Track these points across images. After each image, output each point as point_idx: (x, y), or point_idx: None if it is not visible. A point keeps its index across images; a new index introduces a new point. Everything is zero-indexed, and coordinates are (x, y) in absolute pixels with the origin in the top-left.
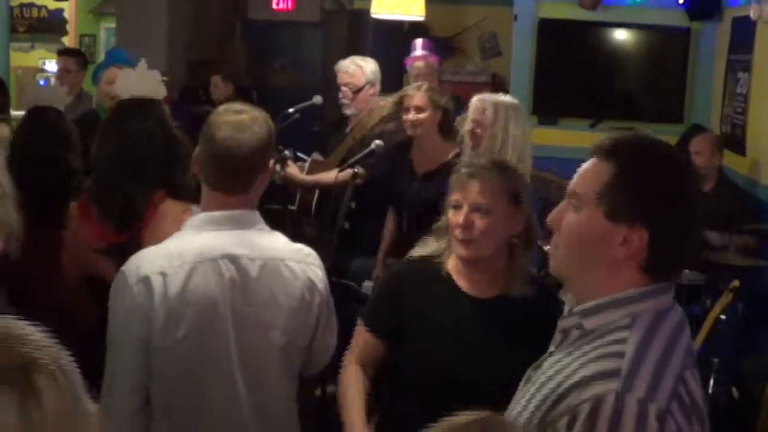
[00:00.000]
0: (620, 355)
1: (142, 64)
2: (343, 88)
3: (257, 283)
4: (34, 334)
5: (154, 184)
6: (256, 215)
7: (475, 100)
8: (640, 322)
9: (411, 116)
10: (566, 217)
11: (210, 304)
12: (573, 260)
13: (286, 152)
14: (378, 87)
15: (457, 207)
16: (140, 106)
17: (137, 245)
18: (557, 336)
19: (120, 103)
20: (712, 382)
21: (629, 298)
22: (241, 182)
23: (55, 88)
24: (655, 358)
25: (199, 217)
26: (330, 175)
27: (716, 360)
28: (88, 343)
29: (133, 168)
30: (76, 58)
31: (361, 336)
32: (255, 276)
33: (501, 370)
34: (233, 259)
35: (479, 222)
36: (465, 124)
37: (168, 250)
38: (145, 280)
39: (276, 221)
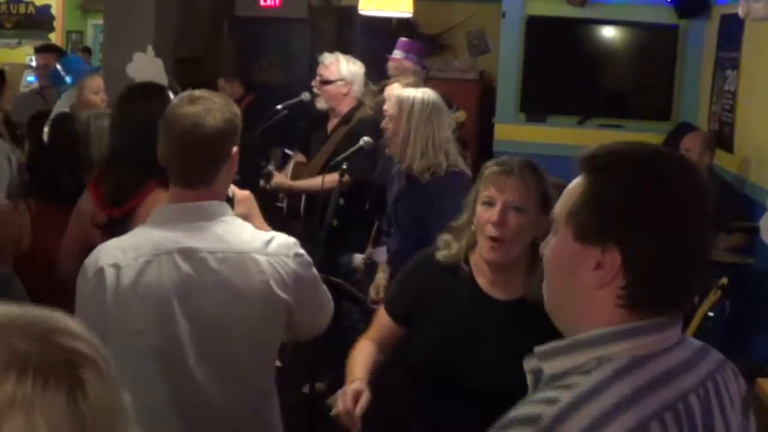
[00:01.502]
0: (553, 401)
1: (150, 50)
2: (317, 78)
3: (216, 276)
4: (76, 327)
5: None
6: (222, 206)
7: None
8: (602, 368)
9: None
10: (547, 246)
11: (163, 298)
12: (552, 291)
13: (269, 167)
14: (355, 88)
15: (490, 204)
16: (148, 91)
17: (127, 225)
18: (529, 378)
19: (129, 87)
20: None
21: (595, 339)
22: (202, 175)
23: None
24: (592, 413)
25: (161, 210)
26: (316, 181)
27: None
28: None
29: (141, 148)
30: (56, 54)
31: (382, 317)
32: (214, 269)
33: (502, 372)
34: (189, 252)
35: (513, 221)
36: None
37: (125, 243)
38: (100, 272)
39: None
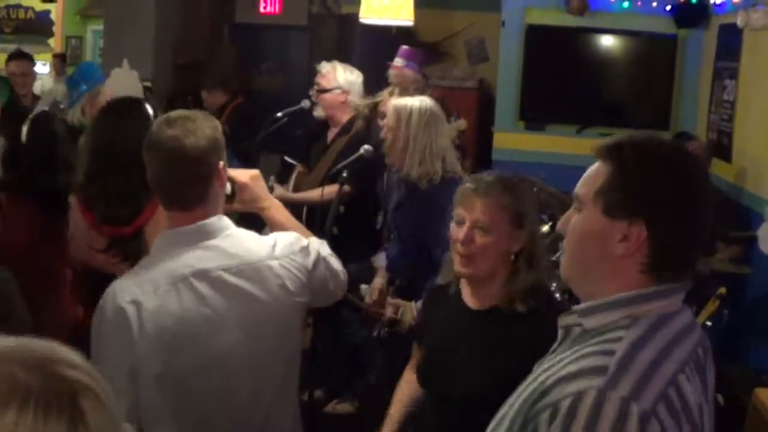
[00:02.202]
0: (611, 353)
1: (125, 63)
2: (314, 86)
3: (236, 290)
4: (74, 356)
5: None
6: (222, 221)
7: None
8: (639, 323)
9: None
10: (570, 223)
11: (188, 323)
12: (576, 261)
13: (271, 182)
14: (353, 98)
15: (460, 223)
16: (130, 104)
17: (138, 241)
18: (559, 332)
19: (113, 102)
20: None
21: (631, 299)
22: (192, 196)
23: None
24: (647, 359)
25: (163, 236)
26: (316, 193)
27: None
28: (78, 334)
29: (129, 164)
30: (30, 61)
31: (416, 348)
32: (233, 284)
33: (476, 380)
34: (204, 274)
35: (479, 240)
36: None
37: (139, 277)
38: (120, 311)
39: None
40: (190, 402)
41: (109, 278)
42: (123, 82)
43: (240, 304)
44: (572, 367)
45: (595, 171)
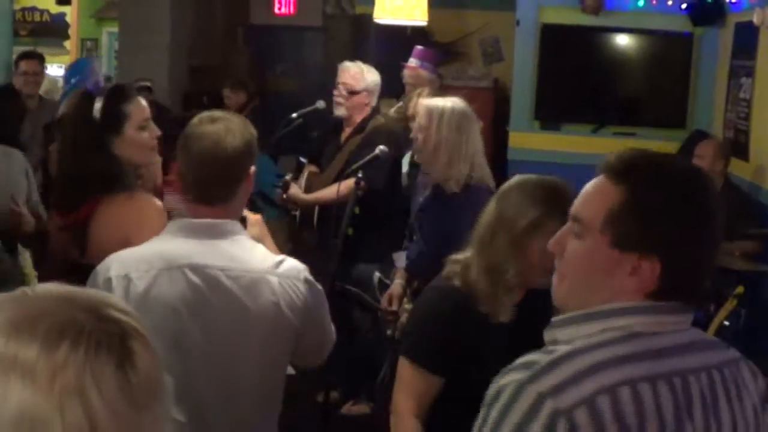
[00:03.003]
0: (551, 352)
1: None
2: (340, 87)
3: (227, 293)
4: (125, 305)
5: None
6: (236, 225)
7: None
8: (604, 334)
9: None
10: (569, 246)
11: (172, 311)
12: (578, 290)
13: (287, 177)
14: (374, 100)
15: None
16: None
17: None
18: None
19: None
20: None
21: (600, 312)
22: (220, 193)
23: None
24: (585, 364)
25: (177, 223)
26: (332, 190)
27: None
28: None
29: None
30: (41, 61)
31: (413, 377)
32: (225, 286)
33: None
34: (200, 268)
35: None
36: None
37: (138, 254)
38: (108, 282)
39: (277, 228)
40: None
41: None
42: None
43: (227, 307)
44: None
45: (602, 192)
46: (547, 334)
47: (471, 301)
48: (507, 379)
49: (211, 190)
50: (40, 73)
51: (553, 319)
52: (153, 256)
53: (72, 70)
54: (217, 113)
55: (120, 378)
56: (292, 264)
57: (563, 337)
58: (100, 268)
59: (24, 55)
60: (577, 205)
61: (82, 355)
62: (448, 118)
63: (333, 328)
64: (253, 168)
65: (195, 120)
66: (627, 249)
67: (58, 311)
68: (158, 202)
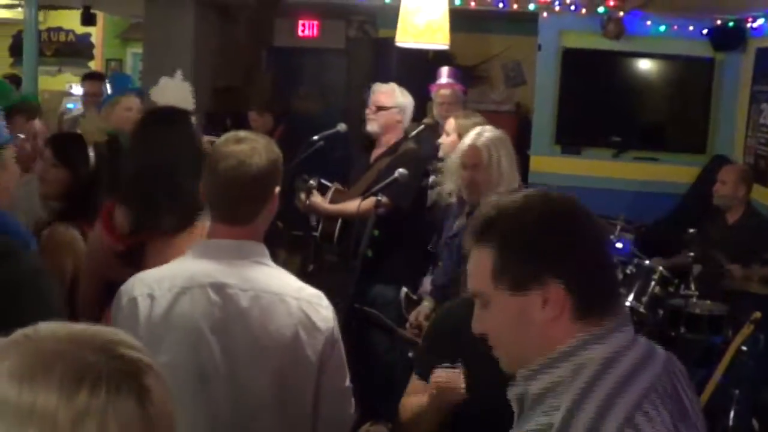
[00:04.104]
0: (555, 409)
1: (179, 74)
2: (372, 105)
3: (246, 314)
4: (132, 339)
5: (175, 193)
6: (259, 247)
7: (466, 144)
8: (582, 374)
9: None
10: (484, 321)
11: (195, 329)
12: (513, 352)
13: (311, 181)
14: (406, 120)
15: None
16: (170, 115)
17: (140, 254)
18: (514, 406)
19: (150, 111)
20: (732, 413)
21: (571, 350)
22: (244, 213)
23: (99, 119)
24: (593, 406)
25: (200, 243)
26: (353, 204)
27: (737, 391)
28: None
29: (151, 175)
30: (102, 82)
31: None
32: (245, 307)
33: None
34: (221, 288)
35: None
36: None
37: (161, 274)
38: (133, 301)
39: (299, 247)
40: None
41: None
42: (168, 93)
43: (246, 327)
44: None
45: (479, 260)
46: (514, 391)
47: None
48: None
49: (235, 210)
50: (100, 94)
51: (519, 373)
52: (175, 275)
53: (111, 83)
54: (242, 133)
55: (142, 415)
56: (313, 290)
57: (535, 389)
58: (124, 288)
59: (86, 76)
60: (469, 285)
61: (103, 400)
62: (506, 155)
63: (351, 393)
64: (278, 188)
65: (221, 140)
66: (525, 289)
67: (69, 354)
68: None
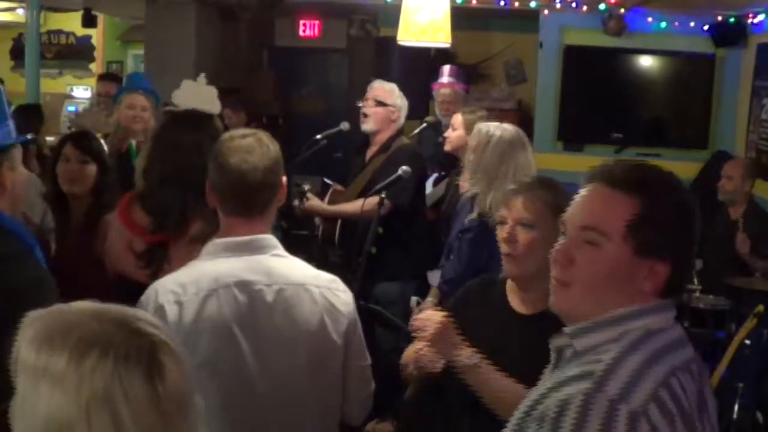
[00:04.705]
0: (597, 362)
1: (202, 78)
2: (369, 100)
3: (273, 308)
4: (156, 320)
5: (197, 196)
6: (272, 240)
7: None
8: (627, 336)
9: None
10: (582, 254)
11: (226, 330)
12: (592, 298)
13: (304, 186)
14: (401, 120)
15: (503, 223)
16: (196, 119)
17: (164, 252)
18: (552, 355)
19: (175, 114)
20: (736, 406)
21: (619, 317)
22: (259, 205)
23: (98, 113)
24: (636, 362)
25: (215, 243)
26: (356, 205)
27: (740, 385)
28: None
29: (179, 178)
30: (116, 83)
31: None
32: (271, 301)
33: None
34: (247, 286)
35: (522, 237)
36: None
37: (183, 279)
38: (161, 310)
39: (302, 247)
40: (216, 409)
41: (136, 286)
42: (190, 96)
43: (274, 321)
44: (558, 380)
45: (617, 203)
46: (557, 341)
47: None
48: (566, 392)
49: (249, 204)
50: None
51: (567, 329)
52: (198, 278)
53: (124, 82)
54: (243, 129)
55: (148, 389)
56: (330, 276)
57: (580, 347)
58: (146, 298)
59: (101, 77)
60: (586, 215)
61: (110, 365)
62: (494, 145)
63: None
64: (285, 177)
65: (225, 136)
66: (646, 256)
67: (90, 324)
68: None
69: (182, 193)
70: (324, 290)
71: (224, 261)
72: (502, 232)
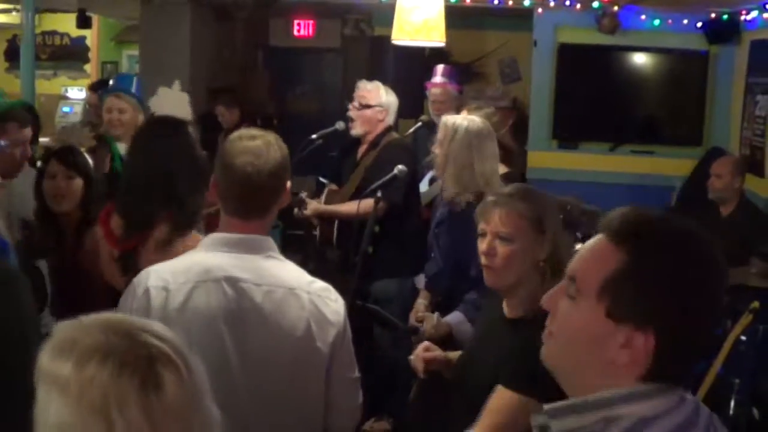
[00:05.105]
0: None
1: (176, 84)
2: (355, 102)
3: (260, 308)
4: (166, 332)
5: (171, 201)
6: (270, 242)
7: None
8: (612, 429)
9: None
10: (562, 306)
11: (211, 322)
12: (565, 355)
13: (301, 194)
14: (390, 119)
15: (483, 235)
16: (168, 125)
17: (135, 259)
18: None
19: (150, 119)
20: (732, 403)
21: (606, 400)
22: (260, 207)
23: (80, 130)
24: None
25: (214, 236)
26: (352, 206)
27: (736, 381)
28: None
29: (146, 183)
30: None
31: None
32: (258, 301)
33: (486, 375)
34: (235, 282)
35: (501, 250)
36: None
37: (175, 267)
38: (147, 292)
39: (299, 247)
40: None
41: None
42: (167, 102)
43: (260, 320)
44: None
45: (602, 254)
46: (537, 419)
47: None
48: None
49: (251, 205)
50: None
51: (547, 406)
52: (190, 268)
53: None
54: (252, 130)
55: (143, 400)
56: (323, 284)
57: (558, 428)
58: (138, 279)
59: (90, 87)
60: (574, 264)
61: (107, 375)
62: (461, 136)
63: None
64: (289, 182)
65: (233, 136)
66: (622, 319)
67: (93, 335)
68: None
69: (148, 198)
70: (314, 297)
71: (218, 255)
72: (481, 245)
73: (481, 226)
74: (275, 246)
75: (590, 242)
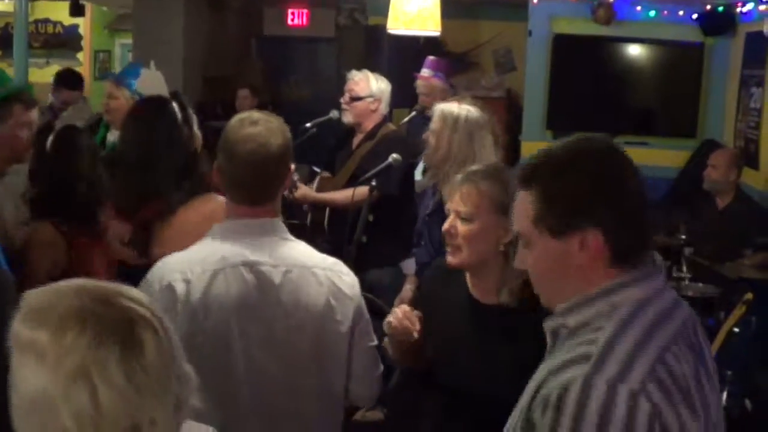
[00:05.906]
0: (593, 342)
1: (152, 65)
2: (346, 94)
3: (280, 289)
4: (141, 296)
5: (149, 177)
6: (280, 224)
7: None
8: (618, 311)
9: None
10: (529, 258)
11: (233, 309)
12: (551, 289)
13: (294, 177)
14: (383, 107)
15: (448, 214)
16: (151, 103)
17: (146, 236)
18: (548, 339)
19: (136, 101)
20: (725, 394)
21: (609, 289)
22: (267, 192)
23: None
24: (630, 342)
25: (223, 224)
26: (346, 194)
27: (729, 372)
28: None
29: (132, 160)
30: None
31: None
32: (278, 283)
33: (485, 372)
34: (254, 266)
35: (461, 228)
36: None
37: (191, 257)
38: (169, 287)
39: (295, 236)
40: (209, 379)
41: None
42: (150, 83)
43: (281, 302)
44: (560, 361)
45: (521, 202)
46: (550, 324)
47: None
48: (566, 376)
49: (259, 190)
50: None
51: (557, 308)
52: (205, 258)
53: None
54: (255, 114)
55: (125, 364)
56: (332, 259)
57: (574, 323)
58: (152, 276)
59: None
60: (514, 225)
61: (87, 341)
62: (462, 126)
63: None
64: (293, 165)
65: (235, 123)
66: (566, 233)
67: (69, 301)
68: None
69: (137, 175)
70: (329, 273)
71: (231, 242)
72: (445, 223)
73: (448, 204)
74: (285, 227)
75: (516, 202)
